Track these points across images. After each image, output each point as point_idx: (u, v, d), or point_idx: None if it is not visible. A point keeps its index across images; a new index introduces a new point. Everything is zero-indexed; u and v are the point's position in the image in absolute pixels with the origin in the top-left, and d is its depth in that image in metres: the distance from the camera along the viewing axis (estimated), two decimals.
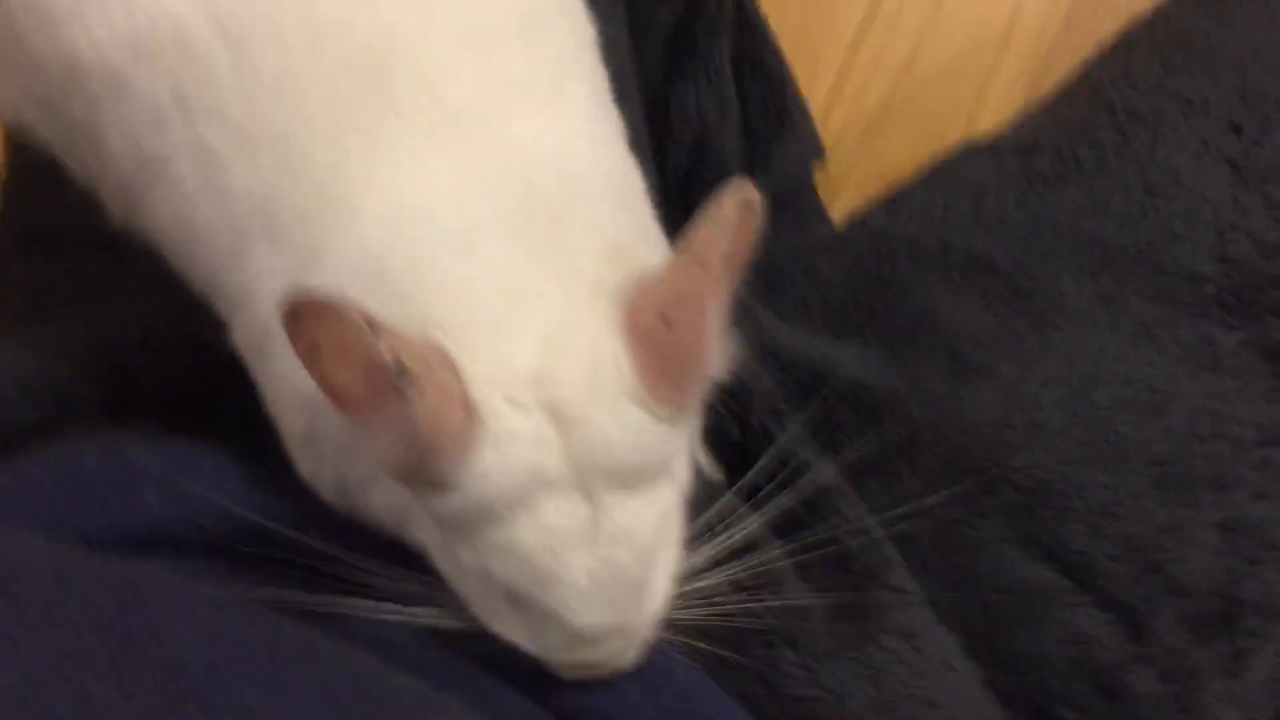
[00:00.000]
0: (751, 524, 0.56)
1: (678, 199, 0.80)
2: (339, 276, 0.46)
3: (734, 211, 0.41)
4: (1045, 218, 0.68)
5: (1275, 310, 0.64)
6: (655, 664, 0.53)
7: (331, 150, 0.48)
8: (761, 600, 0.56)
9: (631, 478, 0.45)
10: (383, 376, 0.39)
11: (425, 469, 0.43)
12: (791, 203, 0.85)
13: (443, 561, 0.48)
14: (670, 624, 0.51)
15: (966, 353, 0.65)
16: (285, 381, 0.50)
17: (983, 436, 0.63)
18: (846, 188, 0.93)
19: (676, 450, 0.48)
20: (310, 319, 0.39)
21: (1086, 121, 0.70)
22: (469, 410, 0.42)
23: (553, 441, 0.44)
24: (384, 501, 0.49)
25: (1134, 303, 0.65)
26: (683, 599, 0.52)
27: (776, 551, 0.58)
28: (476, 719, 0.47)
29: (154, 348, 0.62)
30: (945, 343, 0.66)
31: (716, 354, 0.44)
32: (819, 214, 0.87)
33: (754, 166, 0.83)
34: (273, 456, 0.53)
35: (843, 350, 0.68)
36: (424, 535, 0.48)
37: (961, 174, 0.72)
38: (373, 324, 0.39)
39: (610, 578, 0.46)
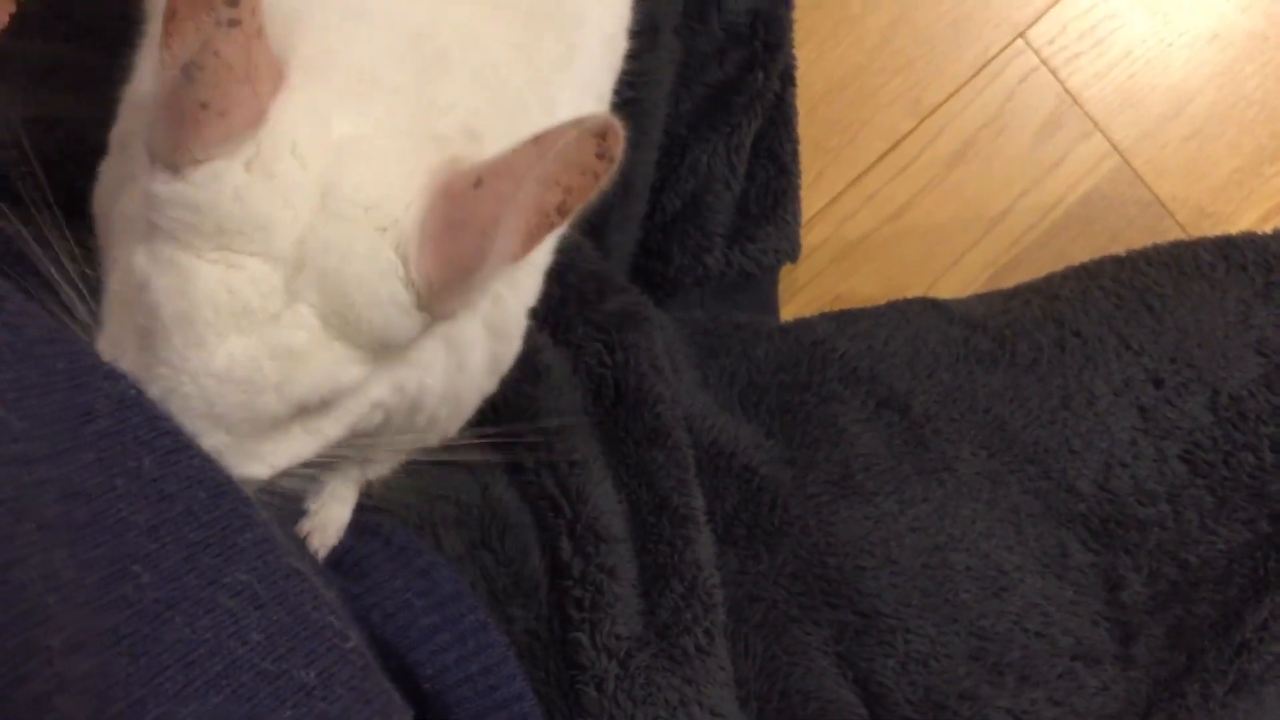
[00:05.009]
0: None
1: (656, 235, 0.84)
2: None
3: (595, 127, 0.39)
4: (968, 388, 0.73)
5: (1129, 550, 0.69)
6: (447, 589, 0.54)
7: None
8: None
9: (340, 315, 0.42)
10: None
11: (179, 129, 0.40)
12: (754, 286, 0.89)
13: (113, 256, 0.45)
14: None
15: (856, 474, 0.69)
16: (132, 91, 0.49)
17: (843, 552, 0.67)
18: (802, 297, 0.97)
19: (397, 340, 0.44)
20: None
21: (1035, 323, 0.75)
22: (255, 118, 0.41)
23: (301, 217, 0.41)
24: (110, 176, 0.47)
25: (1015, 492, 0.70)
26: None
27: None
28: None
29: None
30: (841, 458, 0.70)
31: (504, 253, 0.42)
32: (771, 306, 0.92)
33: (734, 239, 0.86)
34: None
35: (746, 431, 0.72)
36: (118, 228, 0.45)
37: (912, 320, 0.77)
38: None
39: (243, 380, 0.42)
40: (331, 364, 0.43)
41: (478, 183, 0.41)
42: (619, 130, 0.40)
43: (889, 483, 0.69)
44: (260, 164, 0.41)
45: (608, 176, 0.40)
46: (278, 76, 0.41)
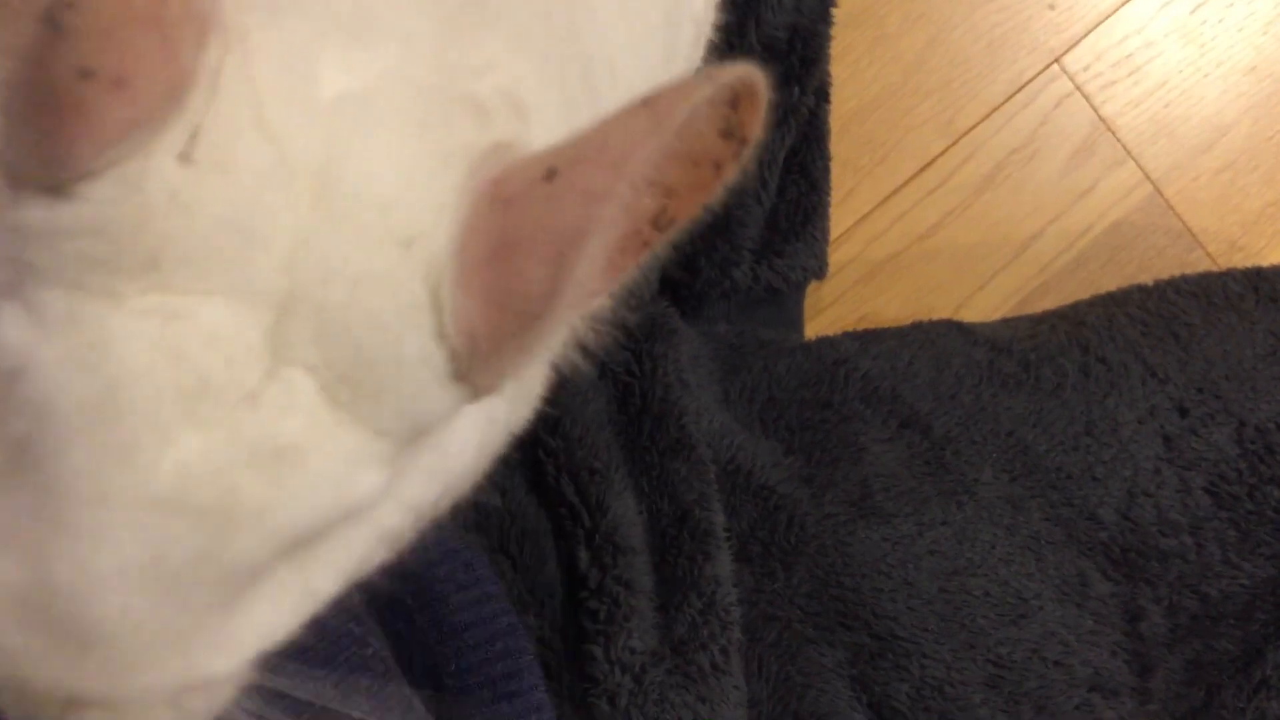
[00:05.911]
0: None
1: (684, 247, 0.84)
2: None
3: (728, 90, 0.26)
4: (990, 411, 0.72)
5: (1150, 581, 0.68)
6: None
7: None
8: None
9: (352, 380, 0.27)
10: None
11: (52, 124, 0.25)
12: (780, 302, 0.88)
13: None
14: None
15: (875, 494, 0.69)
16: None
17: (860, 573, 0.66)
18: (826, 315, 0.97)
19: (422, 422, 0.29)
20: None
21: (1060, 348, 0.75)
22: (175, 81, 0.25)
23: (286, 223, 0.26)
24: None
25: (1036, 517, 0.69)
26: None
27: None
28: None
29: None
30: (861, 478, 0.69)
31: (584, 289, 0.27)
32: (795, 323, 0.91)
33: (762, 254, 0.86)
34: None
35: (765, 448, 0.71)
36: None
37: (936, 341, 0.77)
38: None
39: (208, 508, 0.26)
40: (341, 465, 0.28)
41: (550, 174, 0.26)
42: (761, 93, 0.26)
43: (908, 504, 0.69)
44: (205, 149, 0.26)
45: (735, 168, 0.26)
46: (202, 15, 0.26)
